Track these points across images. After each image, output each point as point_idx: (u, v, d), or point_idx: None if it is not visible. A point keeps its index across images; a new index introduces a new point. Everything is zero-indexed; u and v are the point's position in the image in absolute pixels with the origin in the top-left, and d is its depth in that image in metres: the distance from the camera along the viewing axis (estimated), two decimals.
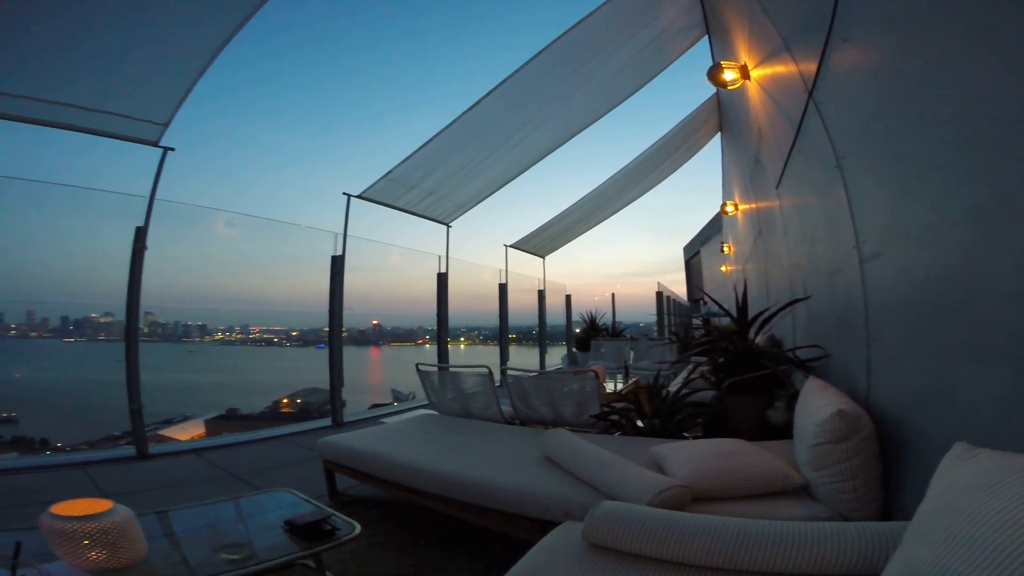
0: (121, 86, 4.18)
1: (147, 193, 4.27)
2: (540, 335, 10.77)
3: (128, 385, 4.17)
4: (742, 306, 3.47)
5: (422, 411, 6.23)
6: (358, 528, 1.99)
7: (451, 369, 4.00)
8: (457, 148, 6.04)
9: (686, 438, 3.03)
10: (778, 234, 4.28)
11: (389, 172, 6.05)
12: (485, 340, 12.70)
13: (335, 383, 5.44)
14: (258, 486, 3.58)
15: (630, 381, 5.22)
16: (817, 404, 1.92)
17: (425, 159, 6.01)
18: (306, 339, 16.61)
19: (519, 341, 11.30)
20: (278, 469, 4.10)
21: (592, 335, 9.42)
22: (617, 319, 12.50)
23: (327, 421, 5.61)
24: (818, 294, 2.95)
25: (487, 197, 7.53)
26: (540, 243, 10.12)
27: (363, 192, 6.18)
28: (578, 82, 5.76)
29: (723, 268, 13.10)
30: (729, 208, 8.01)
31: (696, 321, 11.00)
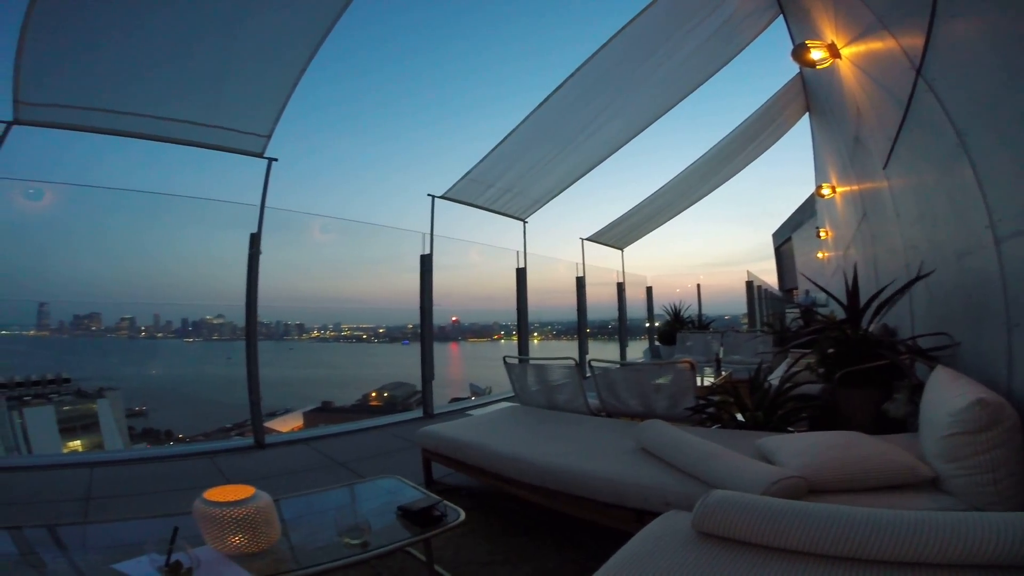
0: (227, 101, 4.55)
1: (256, 202, 4.66)
2: (620, 328, 10.57)
3: (248, 379, 4.59)
4: (853, 292, 3.21)
5: (505, 404, 6.38)
6: (463, 515, 2.04)
7: (537, 361, 4.06)
8: (531, 144, 6.10)
9: (790, 432, 2.89)
10: (888, 216, 3.96)
11: (469, 172, 6.23)
12: (558, 335, 12.68)
13: (426, 376, 5.69)
14: (361, 473, 3.83)
15: (723, 375, 5.03)
16: (951, 394, 1.78)
17: (501, 157, 6.12)
18: (392, 336, 17.48)
19: (595, 336, 11.16)
20: (377, 458, 4.36)
21: (677, 327, 9.11)
22: (702, 311, 11.99)
23: (418, 413, 5.89)
24: (941, 277, 2.70)
25: (562, 191, 7.53)
26: (618, 235, 9.94)
27: (445, 192, 6.40)
28: (648, 71, 5.61)
29: (819, 254, 12.19)
30: (825, 191, 7.49)
31: (791, 311, 10.31)
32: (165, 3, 3.76)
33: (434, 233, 5.98)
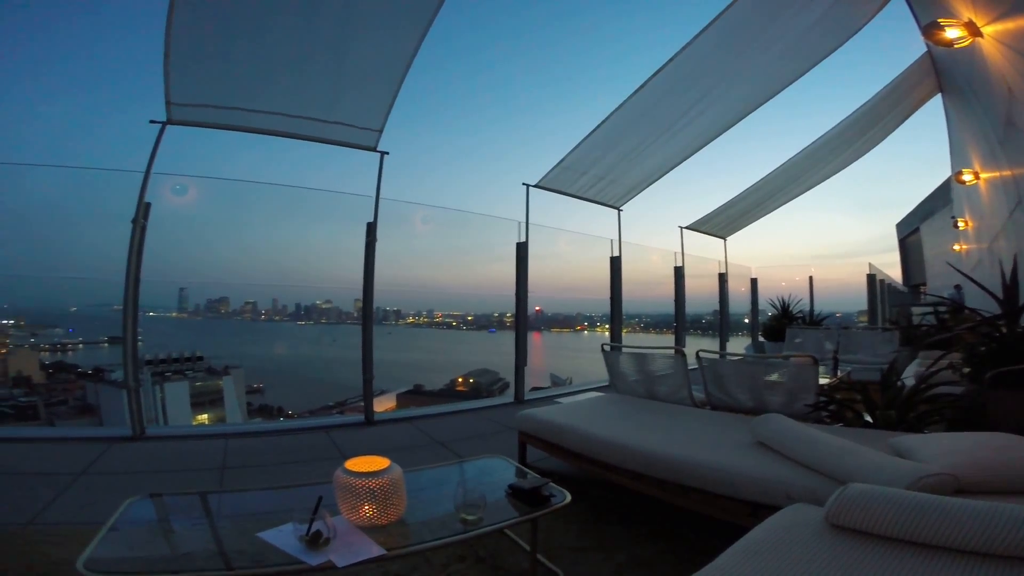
0: (343, 98, 4.79)
1: (372, 193, 5.00)
2: (721, 321, 10.02)
3: (363, 359, 4.90)
4: (1012, 286, 2.96)
5: (595, 393, 6.27)
6: (568, 496, 2.04)
7: (638, 350, 3.94)
8: (626, 131, 5.93)
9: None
10: None
11: (562, 160, 6.19)
12: (647, 328, 12.28)
13: (519, 363, 5.78)
14: (460, 453, 3.94)
15: (841, 373, 4.61)
16: None
17: (595, 144, 6.02)
18: (480, 324, 17.99)
19: (687, 330, 10.70)
20: (473, 439, 4.47)
21: (785, 323, 8.46)
22: (814, 305, 11.02)
23: (508, 398, 6.00)
24: None
25: (659, 179, 7.25)
26: (721, 224, 9.40)
27: (539, 181, 6.41)
28: (752, 57, 5.22)
29: (956, 247, 10.75)
30: (967, 177, 6.62)
31: (921, 309, 9.19)
32: (285, 10, 4.04)
33: (529, 221, 6.01)
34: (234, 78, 4.44)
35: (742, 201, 8.61)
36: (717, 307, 10.26)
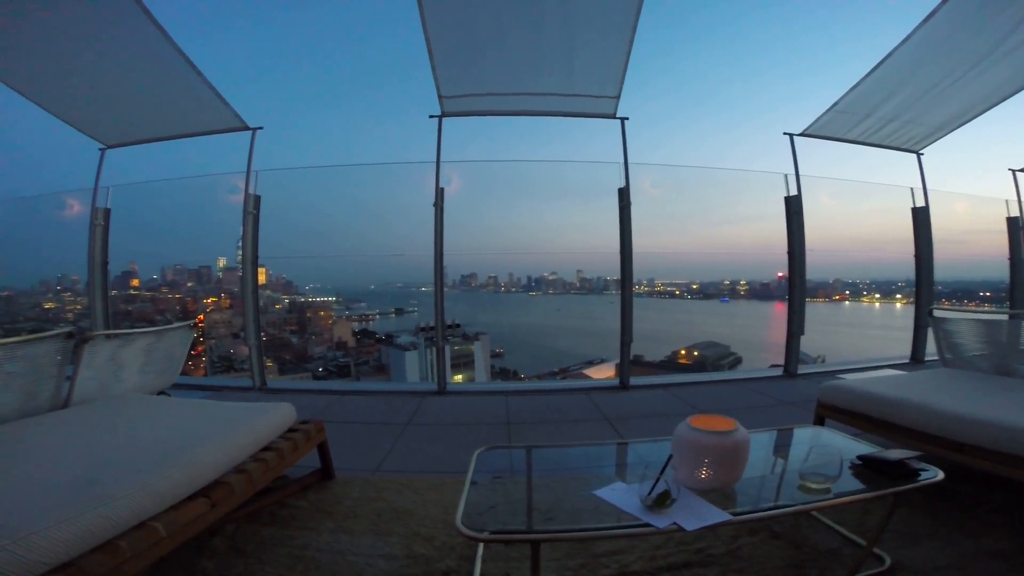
0: (579, 69, 4.73)
1: (619, 159, 4.92)
2: None
3: (621, 324, 4.96)
4: None
5: (889, 371, 5.22)
6: (940, 473, 1.71)
7: (987, 316, 3.07)
8: (922, 63, 4.63)
9: None
10: None
11: (835, 104, 5.21)
12: (947, 297, 9.66)
13: (794, 331, 5.17)
14: None
15: None
16: None
17: (878, 83, 4.87)
18: (705, 292, 16.80)
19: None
20: (742, 411, 4.14)
21: None
22: None
23: (776, 372, 5.42)
24: None
25: (979, 115, 5.54)
26: None
27: (806, 129, 5.52)
28: None
29: None
30: None
31: None
32: None
33: (799, 173, 5.26)
34: (481, 66, 4.71)
35: None
36: None
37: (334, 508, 2.39)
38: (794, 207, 5.34)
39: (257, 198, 5.07)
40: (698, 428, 1.69)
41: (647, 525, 1.47)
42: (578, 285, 16.01)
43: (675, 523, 1.47)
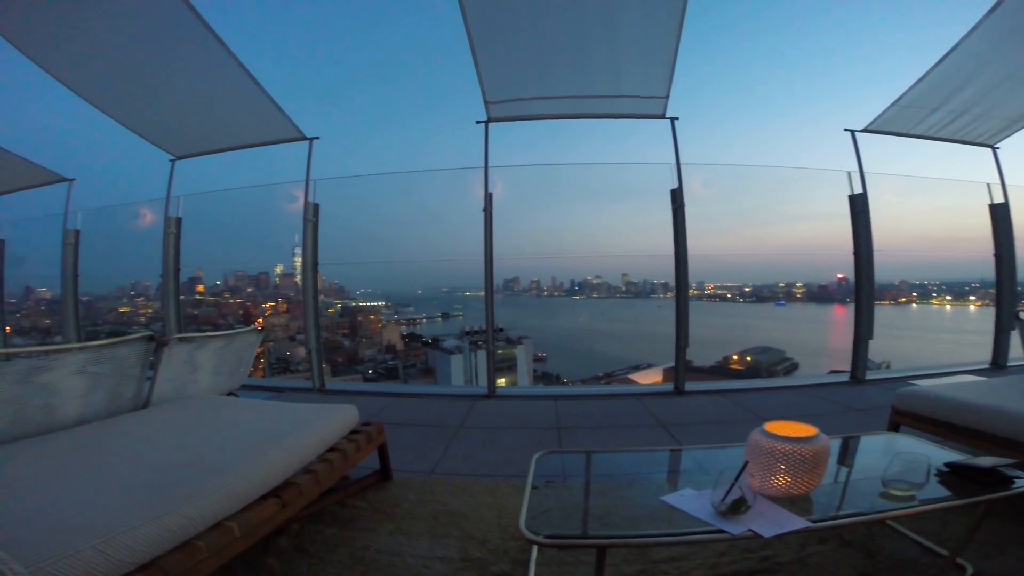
0: (625, 70, 4.68)
1: (671, 160, 4.82)
2: None
3: (676, 327, 4.85)
4: None
5: (968, 377, 4.89)
6: None
7: None
8: (994, 53, 4.32)
9: None
10: None
11: (899, 98, 4.93)
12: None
13: (862, 335, 4.90)
14: None
15: None
16: None
17: (946, 76, 4.58)
18: (758, 295, 16.19)
19: None
20: (807, 418, 3.82)
21: None
22: None
23: (842, 377, 5.18)
24: None
25: None
26: None
27: (869, 125, 5.25)
28: None
29: None
30: None
31: None
32: None
33: (863, 171, 5.01)
34: (526, 70, 4.70)
35: None
36: None
37: (392, 510, 2.43)
38: (859, 206, 5.10)
39: (316, 206, 5.26)
40: (775, 434, 1.65)
41: (720, 531, 1.44)
42: (623, 289, 15.73)
43: (751, 529, 1.43)
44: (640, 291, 15.81)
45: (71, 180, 6.27)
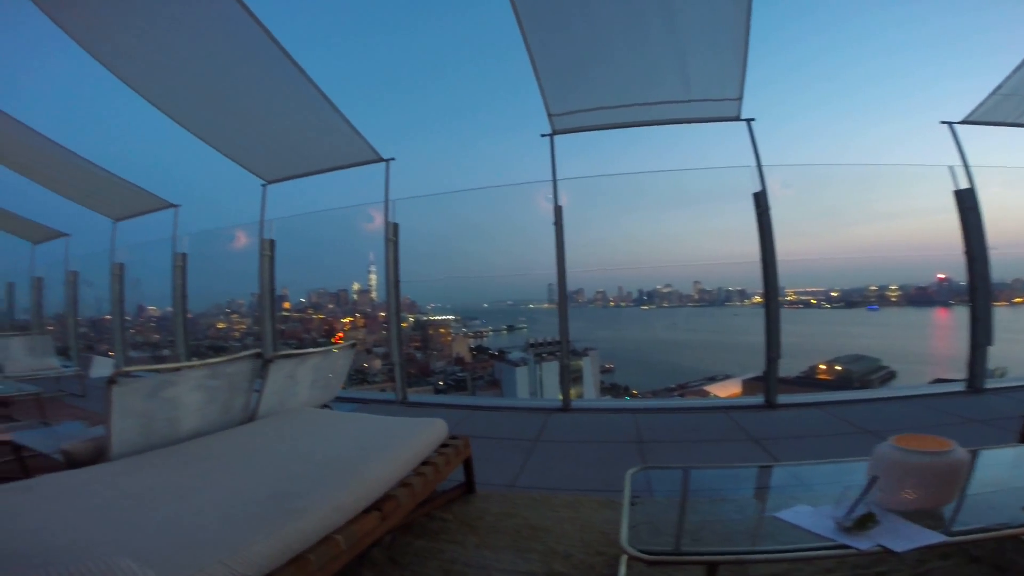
0: (693, 74, 4.56)
1: (752, 163, 4.67)
2: None
3: (767, 338, 4.62)
4: None
5: None
6: None
7: None
8: None
9: None
10: None
11: (999, 87, 4.55)
12: None
13: (979, 341, 4.50)
14: None
15: None
16: None
17: None
18: (849, 300, 15.03)
19: None
20: (923, 429, 3.56)
21: None
22: None
23: (958, 387, 4.75)
24: None
25: None
26: None
27: (968, 116, 4.82)
28: None
29: None
30: None
31: None
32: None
33: (968, 164, 4.60)
34: (588, 81, 4.71)
35: None
36: None
37: (477, 523, 2.45)
38: (967, 202, 4.72)
39: (395, 226, 5.50)
40: (906, 448, 1.57)
41: (845, 547, 1.39)
42: (696, 297, 15.14)
43: (880, 544, 1.37)
44: (714, 299, 15.14)
45: (177, 206, 6.94)
